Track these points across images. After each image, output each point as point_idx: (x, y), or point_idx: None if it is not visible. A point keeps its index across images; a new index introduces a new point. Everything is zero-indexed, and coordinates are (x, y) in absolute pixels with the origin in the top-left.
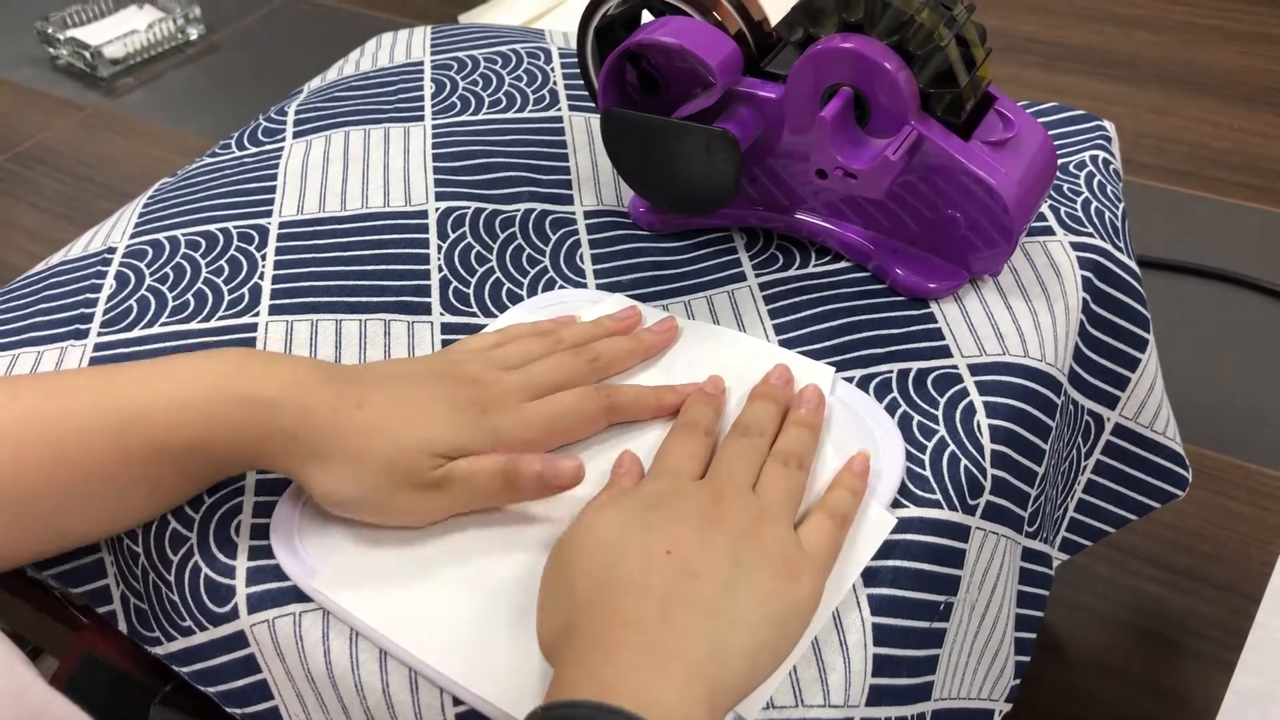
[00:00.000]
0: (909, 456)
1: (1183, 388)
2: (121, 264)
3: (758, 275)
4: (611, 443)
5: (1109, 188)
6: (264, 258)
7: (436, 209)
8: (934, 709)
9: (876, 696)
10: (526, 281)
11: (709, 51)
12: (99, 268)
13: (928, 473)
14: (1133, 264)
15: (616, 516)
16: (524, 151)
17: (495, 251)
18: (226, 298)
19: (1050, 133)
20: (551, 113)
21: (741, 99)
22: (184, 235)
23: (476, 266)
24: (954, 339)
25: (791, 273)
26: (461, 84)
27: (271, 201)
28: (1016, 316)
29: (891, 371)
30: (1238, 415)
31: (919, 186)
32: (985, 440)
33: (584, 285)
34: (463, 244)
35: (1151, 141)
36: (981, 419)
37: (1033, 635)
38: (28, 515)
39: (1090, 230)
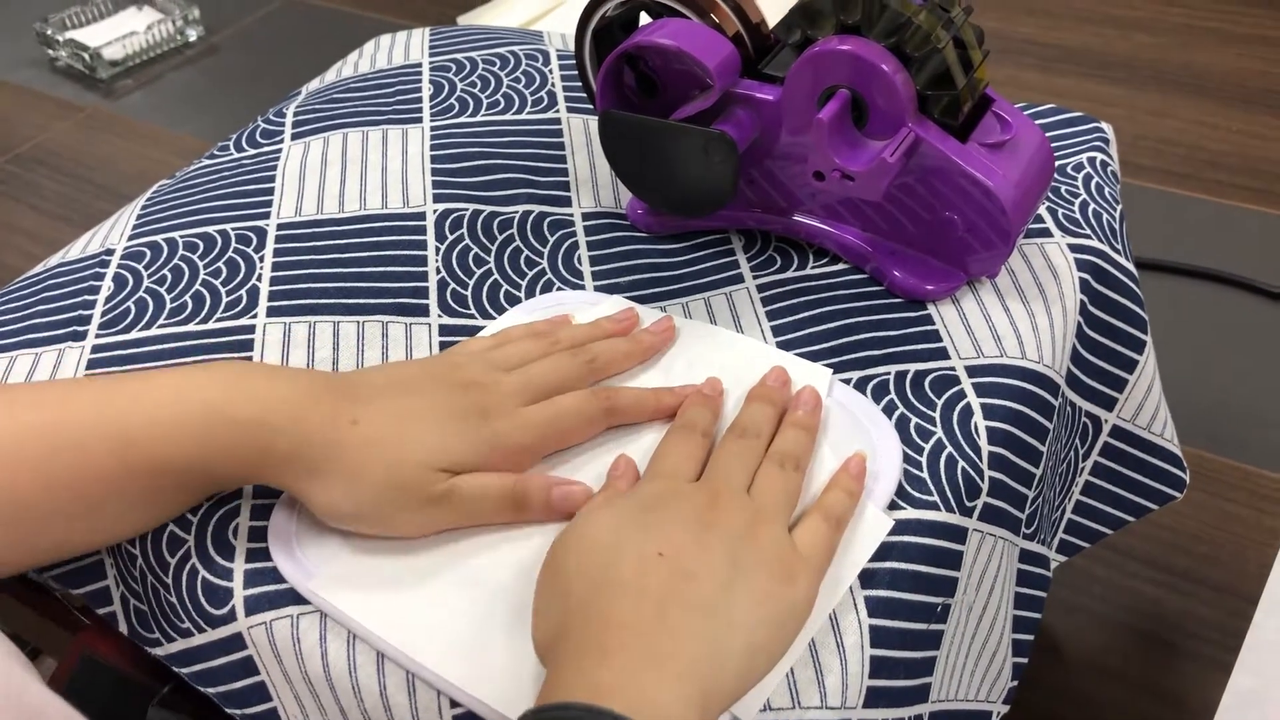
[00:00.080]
0: (906, 458)
1: (1180, 389)
2: (120, 266)
3: (755, 277)
4: (609, 445)
5: (1106, 190)
6: (262, 259)
7: (434, 210)
8: (931, 711)
9: (874, 698)
10: (524, 283)
11: (707, 54)
12: (97, 269)
13: (925, 474)
14: (1130, 266)
15: (612, 518)
16: (522, 153)
17: (493, 253)
18: (224, 299)
19: (1048, 135)
20: (550, 114)
21: (739, 101)
22: (182, 237)
23: (474, 268)
24: (951, 341)
25: (789, 274)
26: (460, 86)
27: (270, 203)
28: (1014, 318)
29: (889, 373)
30: (1235, 417)
31: (916, 188)
32: (983, 442)
33: (582, 287)
34: (461, 245)
35: (1149, 143)
36: (979, 421)
37: (1030, 637)
38: (24, 528)
39: (1088, 232)
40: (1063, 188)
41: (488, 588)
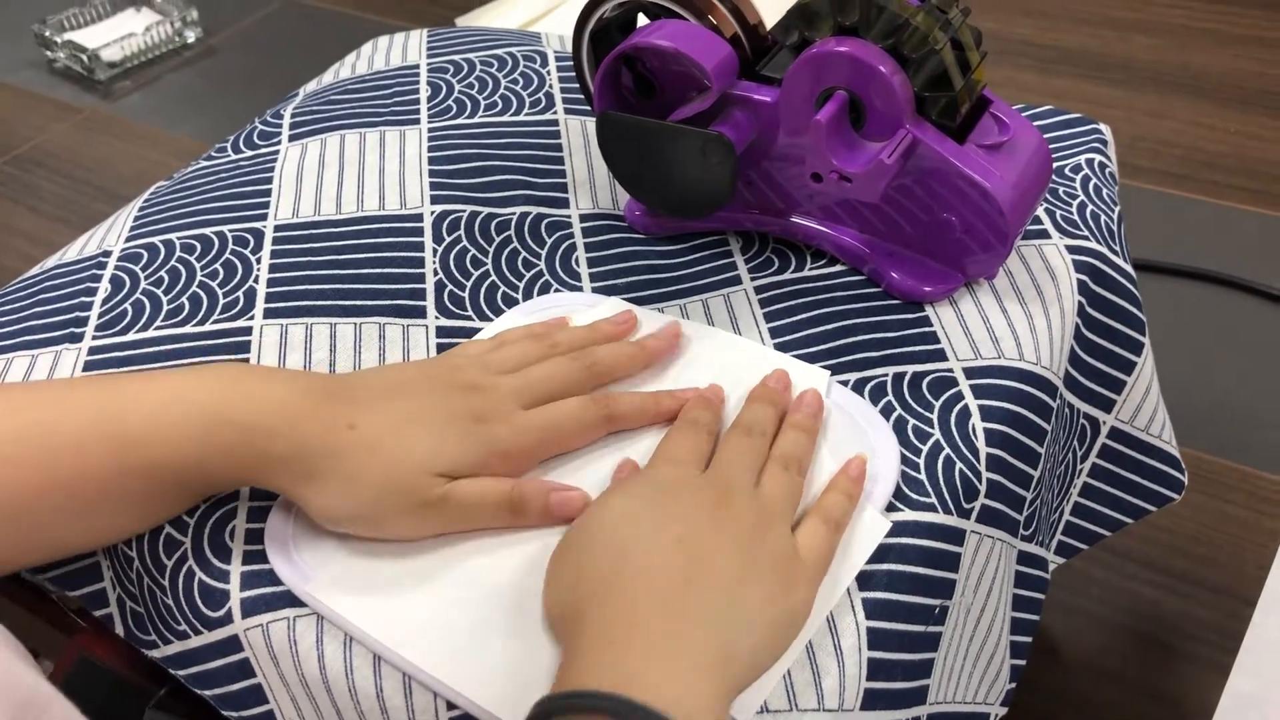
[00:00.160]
0: (904, 460)
1: (1178, 391)
2: (117, 267)
3: (753, 279)
4: (607, 450)
5: (1104, 191)
6: (259, 261)
7: (432, 212)
8: (929, 713)
9: (871, 700)
10: (522, 285)
11: (704, 55)
12: (94, 271)
13: (923, 476)
14: (1128, 267)
15: (627, 500)
16: (520, 155)
17: (490, 255)
18: (221, 301)
19: (1045, 136)
20: (547, 116)
21: (737, 102)
22: (179, 239)
23: (472, 270)
24: (949, 342)
25: (787, 276)
26: (457, 87)
27: (267, 205)
28: (1012, 320)
29: (886, 375)
30: (1233, 418)
31: (914, 190)
32: (980, 444)
33: (579, 288)
34: (458, 247)
35: (1147, 145)
36: (977, 423)
37: (1028, 639)
38: (20, 527)
39: (1086, 233)
40: (1060, 189)
41: (485, 590)
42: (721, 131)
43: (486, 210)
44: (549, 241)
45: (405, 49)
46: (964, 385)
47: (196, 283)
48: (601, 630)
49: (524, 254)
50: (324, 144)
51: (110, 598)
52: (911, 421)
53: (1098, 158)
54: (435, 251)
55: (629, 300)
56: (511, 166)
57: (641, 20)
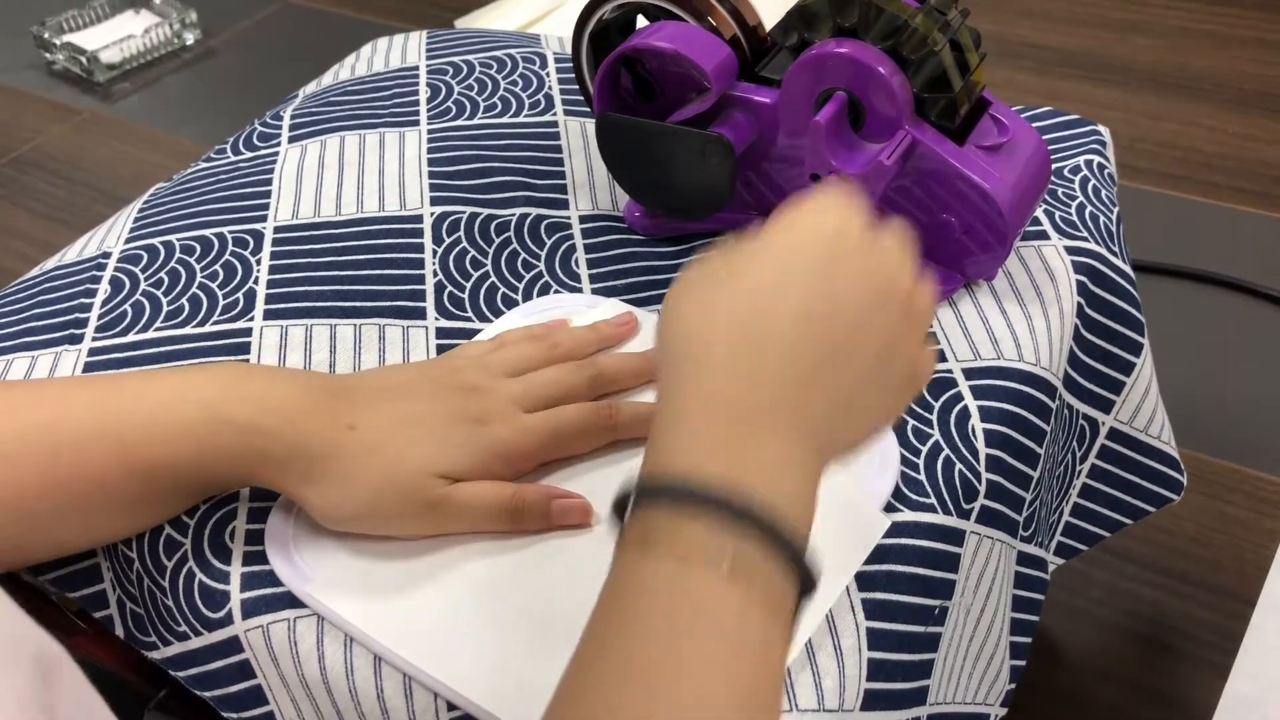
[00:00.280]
0: (903, 461)
1: (1177, 392)
2: (116, 269)
3: None
4: (609, 455)
5: (1103, 192)
6: (259, 263)
7: (432, 214)
8: (929, 713)
9: (871, 701)
10: (522, 286)
11: (704, 56)
12: (94, 272)
13: (922, 477)
14: (1127, 268)
15: (790, 255)
16: (519, 156)
17: (490, 256)
18: (221, 303)
19: (1045, 137)
20: (547, 117)
21: (736, 104)
22: (179, 240)
23: (472, 271)
24: (949, 343)
25: None
26: (457, 89)
27: (267, 206)
28: (1011, 321)
29: None
30: (1233, 419)
31: (913, 191)
32: (980, 445)
33: (579, 290)
34: (458, 249)
35: (1146, 146)
36: (976, 423)
37: (1028, 640)
38: (20, 526)
39: (1085, 235)
40: (1060, 190)
41: (485, 591)
42: (721, 133)
43: (486, 211)
44: (549, 243)
45: (405, 50)
46: (963, 386)
47: (196, 284)
48: (715, 399)
49: (524, 255)
50: (324, 145)
51: (110, 599)
52: (911, 422)
53: (1096, 159)
54: (435, 253)
55: (629, 301)
56: (511, 168)
57: (641, 22)
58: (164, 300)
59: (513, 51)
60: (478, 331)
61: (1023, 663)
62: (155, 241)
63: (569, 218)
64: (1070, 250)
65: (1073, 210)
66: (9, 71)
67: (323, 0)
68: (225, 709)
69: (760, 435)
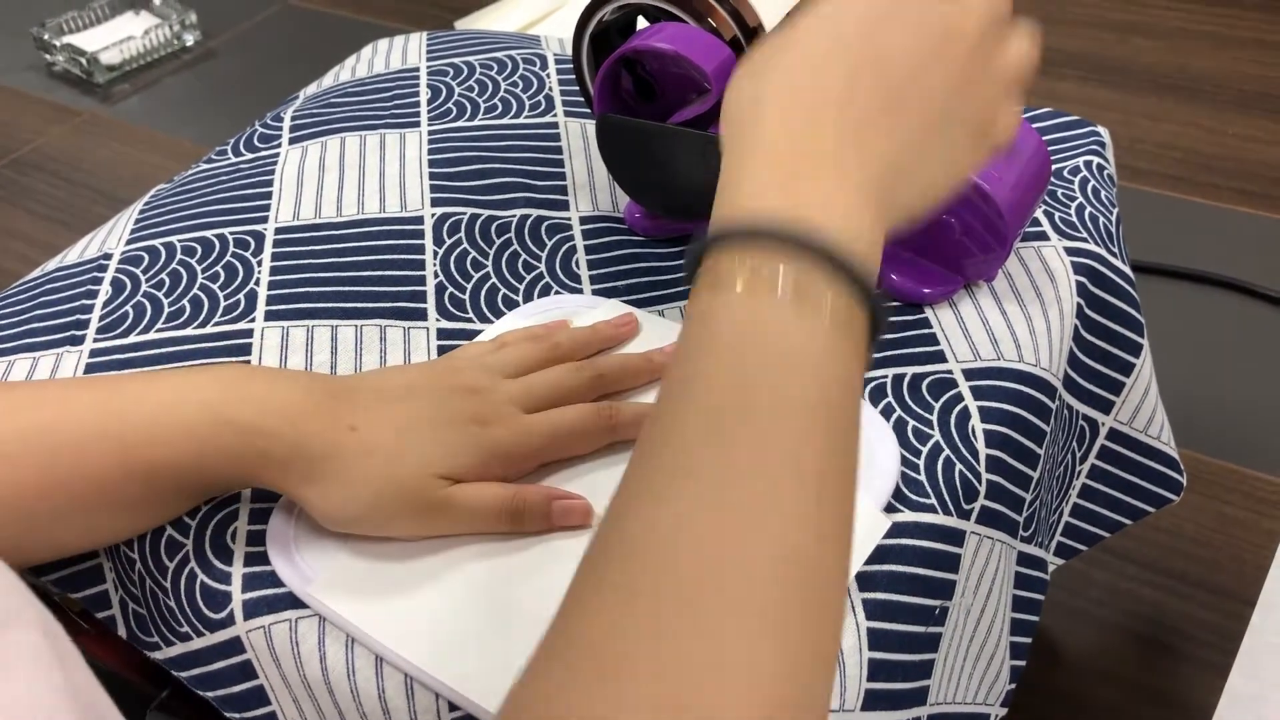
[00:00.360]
0: (904, 461)
1: (1177, 392)
2: (117, 270)
3: None
4: (610, 457)
5: (1103, 193)
6: (260, 264)
7: (432, 215)
8: (929, 714)
9: (872, 701)
10: (522, 287)
11: (704, 57)
12: (95, 274)
13: (922, 477)
14: (1127, 269)
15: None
16: (520, 157)
17: (491, 257)
18: (222, 304)
19: (1045, 138)
20: (547, 119)
21: None
22: (180, 241)
23: (472, 272)
24: (949, 344)
25: None
26: (457, 90)
27: (267, 208)
28: (1011, 322)
29: (886, 376)
30: (1232, 420)
31: None
32: (980, 445)
33: (580, 291)
34: (459, 250)
35: (1146, 147)
36: (976, 424)
37: (1028, 640)
38: (20, 526)
39: (1084, 235)
40: (1059, 191)
41: (486, 591)
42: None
43: (487, 213)
44: (549, 244)
45: (405, 52)
46: (964, 387)
47: (198, 285)
48: (775, 144)
49: (524, 256)
50: (324, 147)
51: (113, 600)
52: (911, 423)
53: (1096, 160)
54: (436, 254)
55: (629, 302)
56: (511, 169)
57: (641, 23)
58: (165, 301)
59: (513, 53)
60: (479, 332)
61: (1023, 663)
62: (156, 243)
63: (569, 219)
64: (1070, 251)
65: (1072, 211)
66: (9, 73)
67: (323, 1)
68: (227, 709)
69: (820, 178)
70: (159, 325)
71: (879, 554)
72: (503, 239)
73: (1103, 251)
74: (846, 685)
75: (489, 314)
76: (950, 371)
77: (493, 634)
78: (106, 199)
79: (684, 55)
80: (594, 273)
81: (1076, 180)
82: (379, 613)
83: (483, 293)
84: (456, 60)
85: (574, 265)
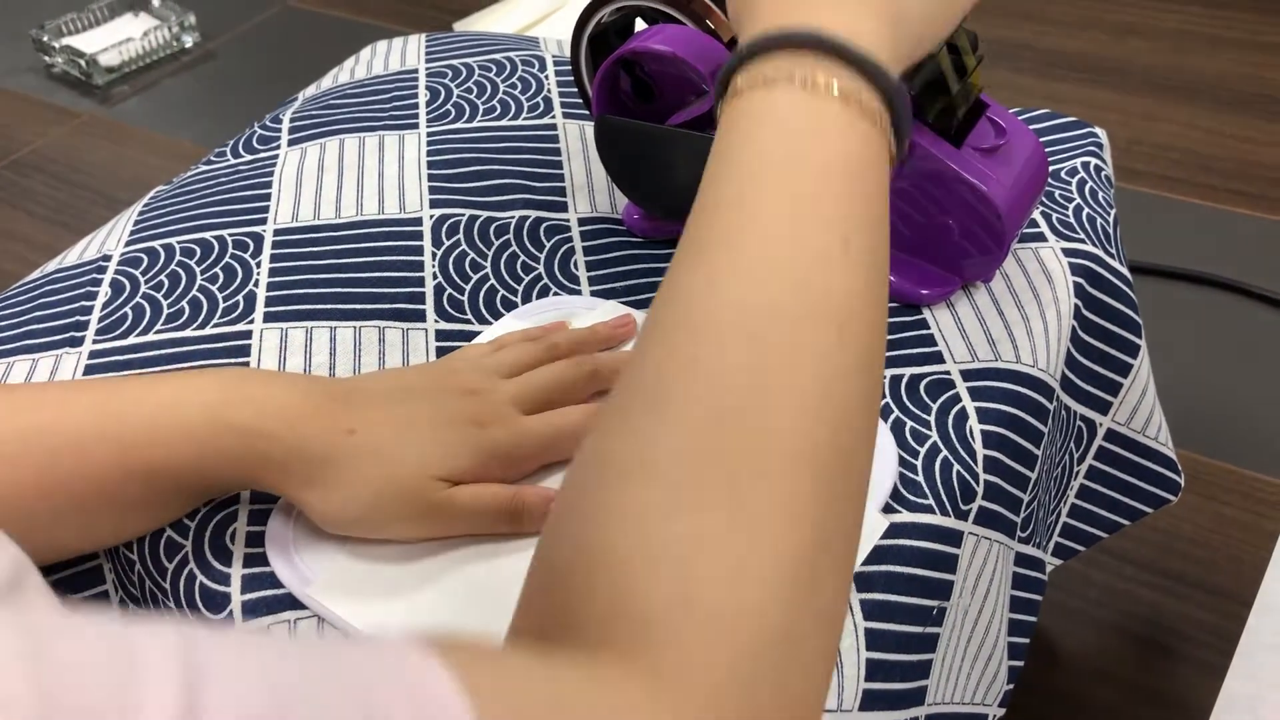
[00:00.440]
0: (902, 462)
1: (1175, 393)
2: (116, 271)
3: None
4: None
5: (1101, 194)
6: (259, 265)
7: (431, 216)
8: (927, 714)
9: (870, 701)
10: (521, 288)
11: (702, 59)
12: (94, 275)
13: (920, 478)
14: (1124, 270)
15: None
16: (518, 159)
17: (490, 259)
18: (221, 305)
19: (1042, 139)
20: (546, 120)
21: None
22: (179, 243)
23: (471, 273)
24: (946, 345)
25: None
26: (456, 92)
27: (266, 209)
28: (1009, 322)
29: (885, 377)
30: (1229, 420)
31: (911, 193)
32: (978, 446)
33: (578, 292)
34: (457, 251)
35: (1143, 148)
36: (974, 425)
37: (1026, 640)
38: (19, 528)
39: (1082, 236)
40: (1057, 192)
41: (486, 592)
42: None
43: (485, 214)
44: (548, 245)
45: (404, 54)
46: (961, 387)
47: (196, 287)
48: None
49: (523, 258)
50: (323, 148)
51: (112, 601)
52: (909, 423)
53: (1094, 161)
54: (434, 255)
55: (627, 303)
56: (510, 171)
57: (639, 25)
58: (164, 303)
59: (512, 54)
60: (477, 334)
61: (1021, 663)
62: (155, 244)
63: (568, 220)
64: (1067, 252)
65: (1070, 212)
66: (8, 75)
67: (321, 3)
68: None
69: (840, 7)
70: (158, 326)
71: (877, 554)
72: (501, 240)
73: (1100, 252)
74: (845, 685)
75: (488, 315)
76: (948, 372)
77: (492, 634)
78: (106, 200)
79: (682, 57)
80: (592, 274)
81: (1074, 181)
82: (378, 614)
83: (481, 294)
84: (455, 62)
85: (573, 266)
